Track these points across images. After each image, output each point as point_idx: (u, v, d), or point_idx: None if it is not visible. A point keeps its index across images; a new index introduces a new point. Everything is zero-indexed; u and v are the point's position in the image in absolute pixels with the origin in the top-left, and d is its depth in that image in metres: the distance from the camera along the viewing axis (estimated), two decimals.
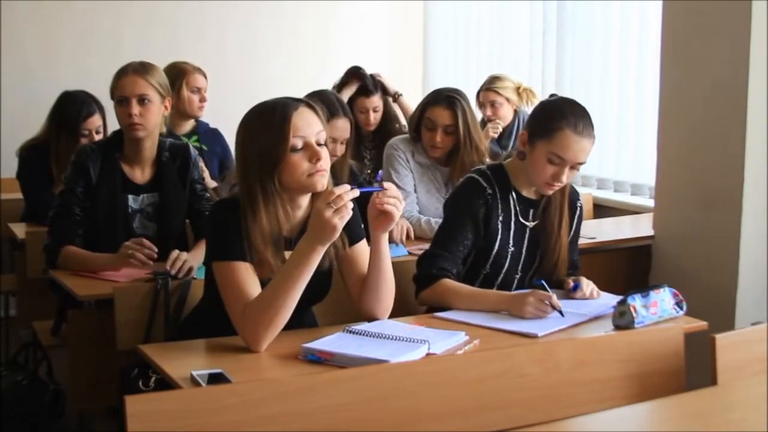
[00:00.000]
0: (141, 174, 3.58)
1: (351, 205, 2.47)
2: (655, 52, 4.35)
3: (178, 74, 4.84)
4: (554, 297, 2.86)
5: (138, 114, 3.45)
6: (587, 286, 3.10)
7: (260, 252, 2.57)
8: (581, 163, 3.06)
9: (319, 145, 2.60)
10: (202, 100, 4.85)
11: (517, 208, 3.18)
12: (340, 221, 2.45)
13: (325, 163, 2.60)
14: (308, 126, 2.59)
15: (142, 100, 3.46)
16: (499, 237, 3.15)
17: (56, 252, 3.43)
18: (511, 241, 3.17)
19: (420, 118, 4.21)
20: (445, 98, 4.17)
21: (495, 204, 3.14)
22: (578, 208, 3.29)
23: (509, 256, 3.17)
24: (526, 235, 3.20)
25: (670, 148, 4.10)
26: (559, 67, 5.80)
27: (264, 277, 2.58)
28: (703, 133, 3.91)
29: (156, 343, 2.85)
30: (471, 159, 4.09)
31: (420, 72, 7.32)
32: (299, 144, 2.57)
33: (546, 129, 3.03)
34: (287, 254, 2.64)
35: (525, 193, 3.20)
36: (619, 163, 5.41)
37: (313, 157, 2.57)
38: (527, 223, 3.20)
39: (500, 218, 3.15)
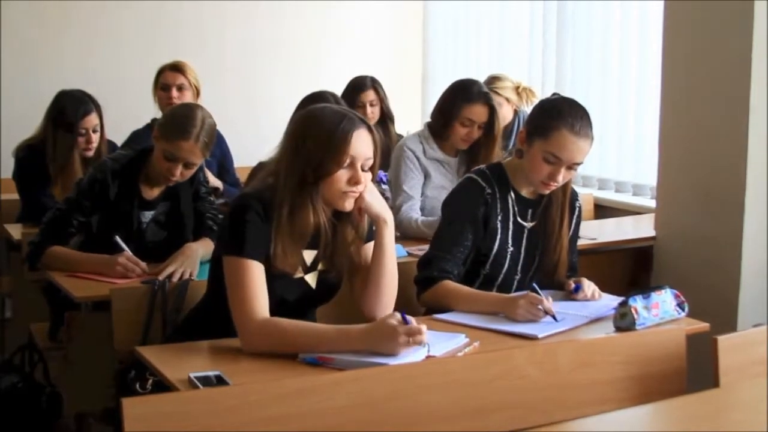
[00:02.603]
0: (157, 190, 3.61)
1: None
2: (656, 50, 4.36)
3: (156, 74, 4.87)
4: (546, 301, 2.84)
5: (179, 175, 3.47)
6: (588, 287, 3.10)
7: (282, 246, 2.59)
8: (578, 164, 3.06)
9: (362, 170, 2.64)
10: (170, 97, 4.79)
11: (515, 208, 3.18)
12: (403, 351, 2.44)
13: (362, 188, 2.64)
14: (363, 147, 2.62)
15: (189, 165, 3.47)
16: (498, 237, 3.15)
17: (41, 251, 3.44)
18: (509, 241, 3.17)
19: (453, 114, 4.19)
20: (483, 95, 4.20)
21: (494, 204, 3.14)
22: (577, 209, 3.29)
23: (509, 256, 3.17)
24: (524, 236, 3.20)
25: (672, 148, 4.10)
26: (560, 66, 5.79)
27: (278, 268, 2.59)
28: (704, 132, 3.91)
29: (153, 344, 2.84)
30: (495, 154, 4.12)
31: (419, 71, 7.31)
32: (347, 162, 2.60)
33: (543, 128, 3.04)
34: (306, 254, 2.70)
35: (524, 192, 3.20)
36: (620, 163, 5.40)
37: (353, 179, 2.62)
38: (525, 224, 3.20)
39: (499, 218, 3.15)
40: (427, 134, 4.32)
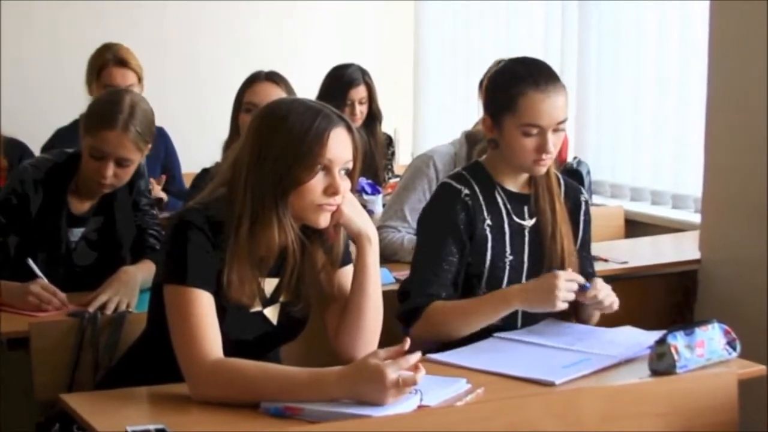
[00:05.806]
0: (88, 203, 3.61)
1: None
2: (700, 37, 4.38)
3: (94, 66, 4.85)
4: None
5: (112, 175, 3.45)
6: (602, 288, 3.06)
7: (239, 272, 2.58)
8: (562, 122, 3.09)
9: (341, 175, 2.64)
10: None
11: (508, 206, 3.20)
12: (392, 399, 2.43)
13: (340, 199, 2.64)
14: (341, 149, 2.63)
15: (122, 162, 3.46)
16: (489, 245, 3.15)
17: None
18: (508, 249, 3.18)
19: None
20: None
21: (477, 206, 3.15)
22: (583, 203, 3.31)
23: (507, 267, 3.17)
24: (526, 238, 3.21)
25: (720, 151, 4.12)
26: (582, 57, 5.80)
27: (233, 300, 2.59)
28: (759, 134, 3.92)
29: (82, 391, 2.84)
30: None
31: (410, 60, 7.31)
32: (322, 167, 2.60)
33: (506, 101, 3.08)
34: (265, 282, 2.69)
35: (512, 187, 3.22)
36: (656, 169, 5.41)
37: (330, 189, 2.61)
38: (524, 222, 3.21)
39: (488, 222, 3.16)
40: (463, 152, 4.22)
